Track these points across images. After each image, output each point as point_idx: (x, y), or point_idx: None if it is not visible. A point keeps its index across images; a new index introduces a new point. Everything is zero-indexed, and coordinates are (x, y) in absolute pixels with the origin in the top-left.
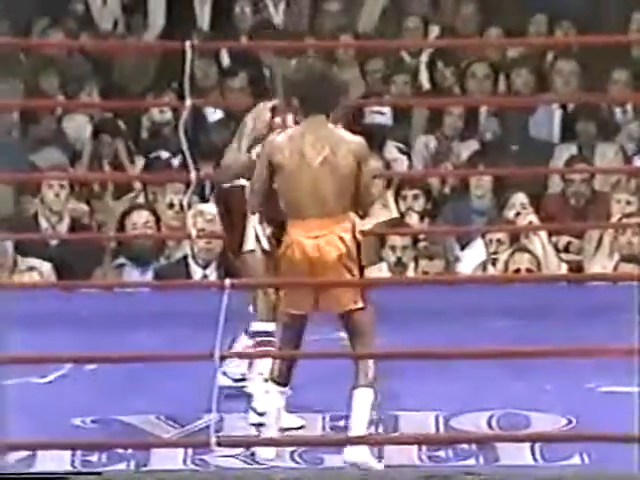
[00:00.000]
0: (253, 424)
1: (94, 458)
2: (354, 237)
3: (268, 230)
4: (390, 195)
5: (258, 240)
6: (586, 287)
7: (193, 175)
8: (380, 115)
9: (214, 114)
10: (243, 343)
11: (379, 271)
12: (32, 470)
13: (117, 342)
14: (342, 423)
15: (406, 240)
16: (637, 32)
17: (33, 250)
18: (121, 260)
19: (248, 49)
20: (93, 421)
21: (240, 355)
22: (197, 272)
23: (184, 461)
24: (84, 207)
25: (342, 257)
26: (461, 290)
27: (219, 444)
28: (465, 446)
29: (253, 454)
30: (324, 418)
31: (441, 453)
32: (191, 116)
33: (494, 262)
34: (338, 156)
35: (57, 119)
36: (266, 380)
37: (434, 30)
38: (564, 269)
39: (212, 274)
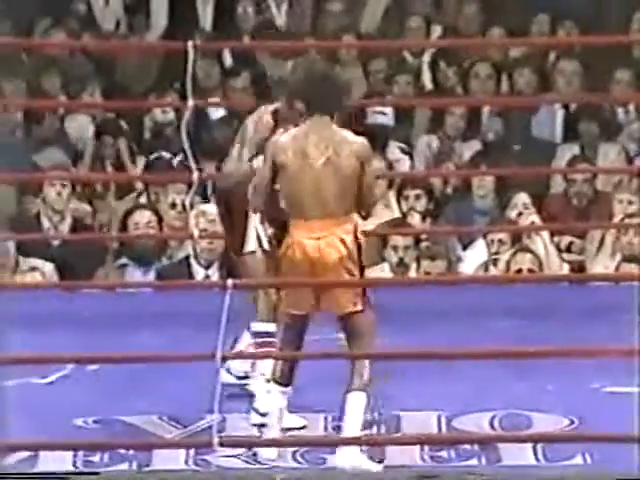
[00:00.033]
0: (255, 424)
1: (96, 458)
2: (355, 239)
3: (269, 231)
4: (392, 195)
5: (259, 241)
6: (588, 287)
7: (195, 175)
8: (382, 115)
9: (216, 111)
10: (246, 341)
11: (381, 271)
12: (34, 470)
13: (119, 342)
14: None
15: (408, 240)
16: (639, 32)
17: (35, 250)
18: (123, 260)
19: (250, 49)
20: (95, 421)
21: (242, 356)
22: (199, 272)
23: (186, 461)
24: (86, 207)
25: (343, 259)
26: (463, 290)
27: (221, 444)
28: (467, 446)
29: (255, 454)
30: (326, 418)
31: (443, 453)
32: (193, 114)
33: (495, 262)
34: (341, 157)
35: (59, 119)
36: (268, 381)
37: (436, 30)
38: (566, 269)
39: (214, 274)
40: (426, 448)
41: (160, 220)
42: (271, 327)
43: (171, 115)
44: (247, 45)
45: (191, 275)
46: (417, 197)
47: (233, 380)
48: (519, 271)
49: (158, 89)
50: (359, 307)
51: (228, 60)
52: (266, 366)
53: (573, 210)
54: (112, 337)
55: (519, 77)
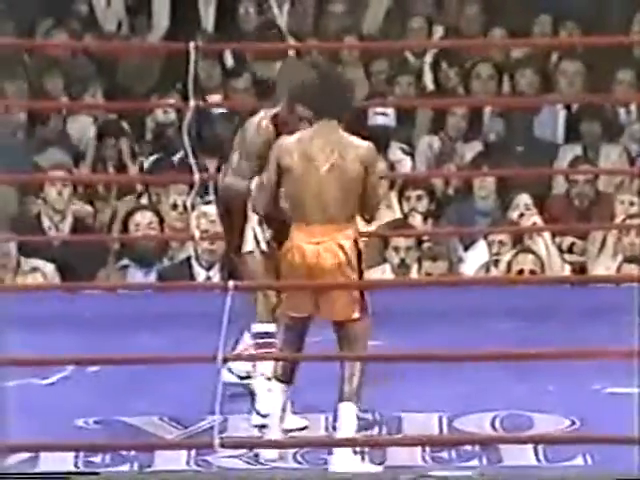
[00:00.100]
0: (256, 425)
1: (97, 459)
2: (355, 245)
3: (267, 232)
4: (394, 196)
5: (257, 242)
6: (589, 288)
7: (197, 176)
8: (384, 116)
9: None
10: (247, 342)
11: (382, 272)
12: (34, 471)
13: (120, 343)
14: None
15: (410, 241)
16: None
17: (37, 251)
18: (125, 261)
19: (252, 50)
20: (96, 422)
21: (243, 358)
22: (200, 274)
23: (187, 462)
24: (88, 208)
25: (340, 264)
26: (465, 291)
27: (222, 445)
28: (468, 447)
29: (256, 455)
30: (327, 419)
31: (444, 454)
32: (195, 113)
33: (497, 263)
34: (346, 161)
35: (62, 120)
36: (269, 379)
37: (438, 31)
38: (568, 270)
39: (215, 276)
40: (427, 449)
41: (161, 221)
42: (271, 327)
43: (173, 116)
44: (249, 46)
45: (192, 276)
46: (419, 198)
47: (235, 379)
48: (521, 272)
49: (160, 90)
50: (356, 314)
51: (230, 61)
52: (266, 366)
53: (575, 211)
54: (113, 338)
55: (521, 78)
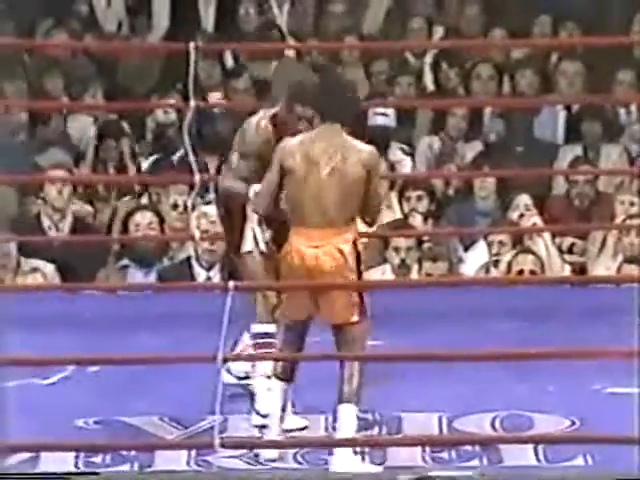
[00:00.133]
0: (256, 426)
1: (97, 459)
2: (354, 248)
3: (267, 233)
4: (394, 196)
5: (256, 242)
6: (589, 288)
7: (197, 177)
8: (384, 116)
9: (218, 103)
10: (246, 342)
11: (383, 273)
12: (35, 471)
13: (120, 344)
14: None
15: (410, 241)
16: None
17: (37, 251)
18: (125, 262)
19: (252, 50)
20: (96, 422)
21: (243, 358)
22: (201, 274)
23: (187, 462)
24: (88, 208)
25: (340, 268)
26: (465, 292)
27: (222, 445)
28: (469, 447)
29: (257, 455)
30: (327, 419)
31: (444, 454)
32: (195, 110)
33: (497, 264)
34: (348, 165)
35: (62, 120)
36: (269, 377)
37: (438, 31)
38: (568, 270)
39: (216, 276)
40: (427, 449)
41: (161, 221)
42: (270, 328)
43: (173, 116)
44: (249, 46)
45: (192, 277)
46: (419, 198)
47: (234, 380)
48: (521, 272)
49: (160, 90)
50: (355, 317)
51: (230, 61)
52: (266, 367)
53: (575, 211)
54: (113, 338)
55: (521, 78)
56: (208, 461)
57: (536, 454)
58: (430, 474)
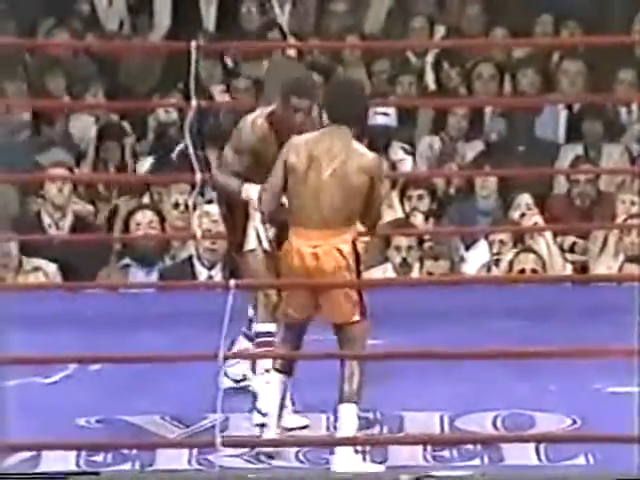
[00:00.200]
0: (257, 424)
1: (99, 458)
2: (353, 248)
3: (270, 231)
4: (395, 195)
5: (259, 240)
6: (591, 287)
7: (198, 176)
8: (385, 116)
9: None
10: (241, 346)
11: (384, 272)
12: (36, 470)
13: (122, 342)
14: None
15: (411, 241)
16: None
17: (38, 250)
18: (126, 261)
19: (254, 50)
20: (98, 421)
21: (244, 356)
22: (202, 273)
23: (189, 461)
24: (89, 207)
25: (339, 268)
26: (466, 291)
27: (224, 444)
28: (470, 446)
29: (258, 454)
30: (328, 418)
31: (446, 453)
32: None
33: (497, 263)
34: (348, 170)
35: (64, 120)
36: (267, 370)
37: (440, 30)
38: (569, 269)
39: (217, 275)
40: (429, 448)
41: (162, 220)
42: (271, 327)
43: (174, 115)
44: (250, 46)
45: (194, 275)
46: (420, 197)
47: (231, 384)
48: (522, 272)
49: (161, 89)
50: (356, 317)
51: (230, 62)
52: (266, 364)
53: (576, 210)
54: (115, 337)
55: (522, 77)
56: (209, 460)
57: (537, 453)
58: (430, 474)
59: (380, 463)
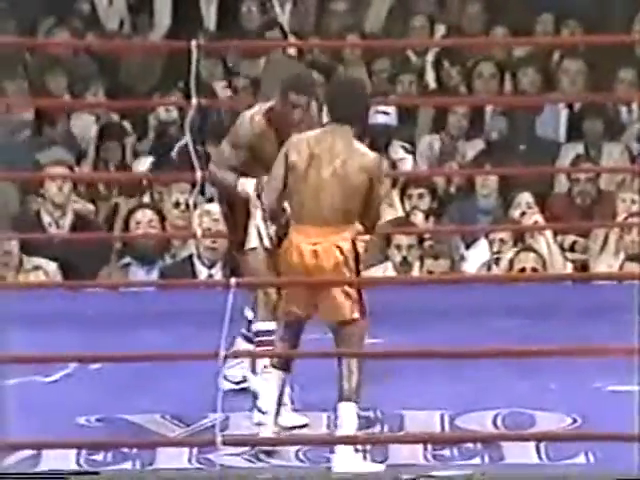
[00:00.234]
0: (258, 424)
1: (99, 457)
2: (353, 247)
3: (272, 229)
4: (396, 194)
5: (260, 238)
6: (591, 286)
7: (199, 174)
8: (385, 115)
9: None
10: (240, 347)
11: (384, 270)
12: (37, 469)
13: (123, 341)
14: None
15: (411, 239)
16: None
17: (39, 249)
18: (126, 259)
19: (254, 49)
20: (98, 420)
21: (244, 355)
22: (203, 272)
23: (189, 460)
24: (89, 206)
25: (338, 265)
26: (466, 289)
27: (224, 443)
28: (470, 445)
29: (258, 452)
30: (329, 417)
31: (446, 452)
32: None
33: (497, 261)
34: (348, 169)
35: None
36: (265, 366)
37: (440, 29)
38: (569, 268)
39: (217, 274)
40: (429, 447)
41: (162, 219)
42: (271, 325)
43: (175, 114)
44: (251, 45)
45: (194, 274)
46: (420, 196)
47: (231, 386)
48: (522, 270)
49: (162, 88)
50: (354, 315)
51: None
52: (266, 363)
53: (577, 209)
54: (115, 336)
55: (523, 76)
56: (210, 459)
57: (538, 452)
58: (431, 473)
59: (380, 462)
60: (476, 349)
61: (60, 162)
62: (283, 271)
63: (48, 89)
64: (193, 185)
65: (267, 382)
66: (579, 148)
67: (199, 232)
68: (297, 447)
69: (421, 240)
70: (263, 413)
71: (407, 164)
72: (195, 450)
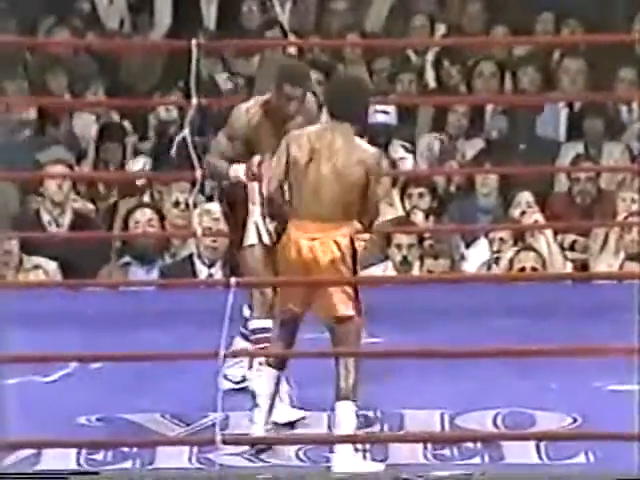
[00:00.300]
0: (250, 420)
1: (99, 456)
2: (351, 244)
3: (271, 225)
4: (396, 193)
5: (259, 234)
6: (591, 285)
7: (198, 174)
8: (385, 114)
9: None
10: (239, 346)
11: (384, 270)
12: (36, 468)
13: (123, 340)
14: None
15: (412, 238)
16: None
17: (39, 248)
18: (126, 259)
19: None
20: (98, 419)
21: (244, 355)
22: (203, 271)
23: (189, 459)
24: (89, 206)
25: (335, 261)
26: (466, 289)
27: (224, 442)
28: (470, 445)
29: (258, 451)
30: (330, 417)
31: (446, 452)
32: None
33: (497, 261)
34: (349, 164)
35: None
36: (260, 364)
37: (440, 28)
38: (569, 268)
39: (217, 273)
40: (429, 446)
41: (162, 218)
42: (267, 323)
43: (175, 113)
44: (251, 44)
45: (194, 274)
46: (420, 195)
47: (231, 385)
48: (522, 269)
49: (162, 88)
50: (350, 312)
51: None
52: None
53: (577, 208)
54: (115, 335)
55: (523, 75)
56: (210, 458)
57: (538, 451)
58: (431, 473)
59: (380, 461)
60: (476, 348)
61: (60, 161)
62: (281, 267)
63: (49, 89)
64: (193, 184)
65: (261, 380)
66: (579, 147)
67: (199, 231)
68: (297, 446)
69: (421, 239)
70: (256, 410)
71: (407, 163)
72: (195, 449)
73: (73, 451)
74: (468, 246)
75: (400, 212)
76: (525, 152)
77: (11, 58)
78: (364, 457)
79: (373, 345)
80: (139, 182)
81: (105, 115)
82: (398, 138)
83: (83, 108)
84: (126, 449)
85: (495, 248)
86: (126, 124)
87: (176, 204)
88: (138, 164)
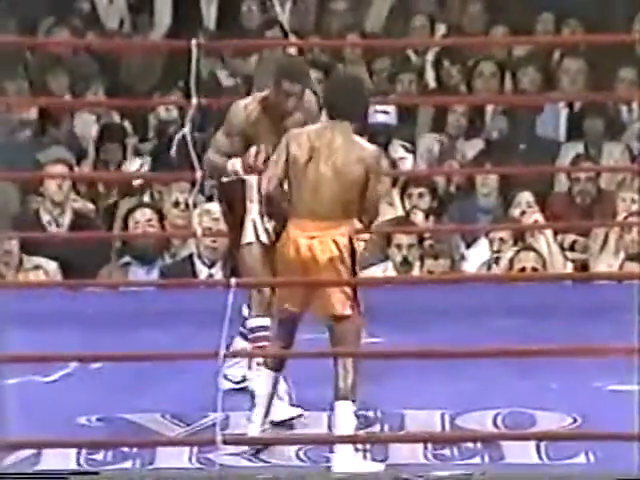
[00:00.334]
0: (247, 420)
1: (99, 457)
2: (350, 243)
3: (269, 224)
4: (396, 193)
5: (256, 233)
6: (591, 286)
7: (198, 174)
8: (385, 114)
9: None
10: (239, 346)
11: (384, 270)
12: (36, 468)
13: (123, 340)
14: None
15: (412, 239)
16: None
17: (39, 249)
18: (126, 259)
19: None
20: (98, 419)
21: (244, 355)
22: (203, 271)
23: (190, 459)
24: (90, 205)
25: (334, 260)
26: (466, 289)
27: (225, 442)
28: (471, 445)
29: (258, 451)
30: (329, 416)
31: (446, 452)
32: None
33: (497, 261)
34: (348, 162)
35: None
36: (258, 364)
37: (440, 29)
38: (570, 268)
39: (218, 273)
40: (429, 446)
41: (161, 218)
42: (265, 322)
43: (175, 113)
44: (250, 44)
45: (194, 274)
46: (420, 195)
47: (231, 385)
48: (522, 270)
49: (162, 87)
50: (348, 311)
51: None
52: (259, 360)
53: (577, 208)
54: (115, 335)
55: (523, 76)
56: (210, 458)
57: (538, 451)
58: (431, 473)
59: (380, 461)
60: (476, 349)
61: (60, 161)
62: (279, 265)
63: (49, 89)
64: (193, 184)
65: (259, 380)
66: (579, 147)
67: (199, 231)
68: (297, 446)
69: (421, 239)
70: (254, 410)
71: (407, 163)
72: (195, 449)
73: (73, 451)
74: (468, 246)
75: (400, 212)
76: (525, 152)
77: (11, 58)
78: (364, 457)
79: (373, 345)
80: (136, 183)
81: (105, 115)
82: (398, 138)
83: (83, 108)
84: (126, 449)
85: (495, 248)
86: (126, 124)
87: (176, 204)
88: (136, 164)
